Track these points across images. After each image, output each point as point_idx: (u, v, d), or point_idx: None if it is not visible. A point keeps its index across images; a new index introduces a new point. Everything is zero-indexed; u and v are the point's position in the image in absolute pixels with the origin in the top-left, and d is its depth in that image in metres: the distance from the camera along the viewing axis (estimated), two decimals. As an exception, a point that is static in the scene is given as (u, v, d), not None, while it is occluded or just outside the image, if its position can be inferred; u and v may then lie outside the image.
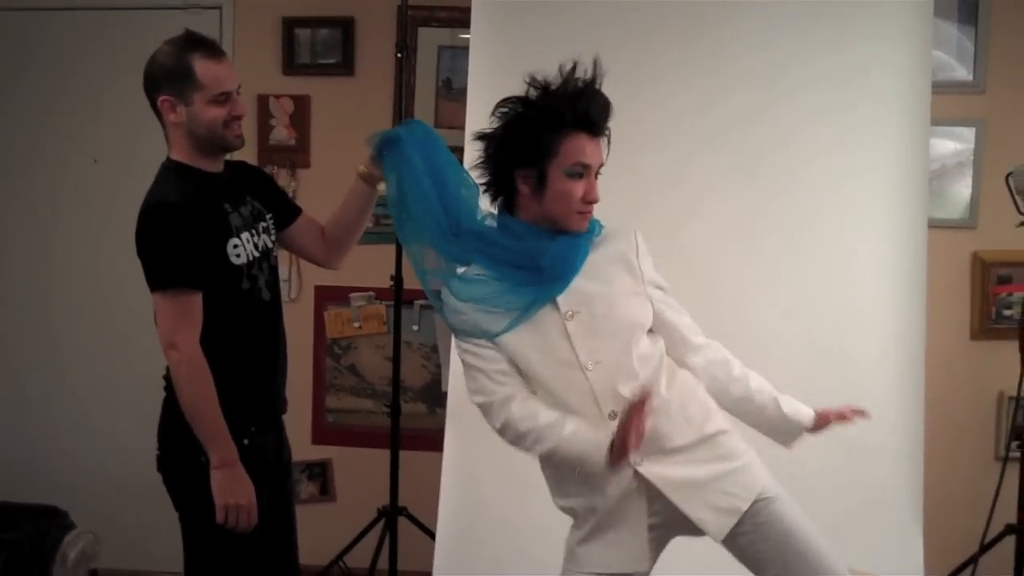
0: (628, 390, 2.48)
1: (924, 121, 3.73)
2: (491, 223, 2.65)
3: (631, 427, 2.38)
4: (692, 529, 2.58)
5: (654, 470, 2.53)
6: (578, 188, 2.50)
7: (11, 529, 3.98)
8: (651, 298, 2.62)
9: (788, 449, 2.72)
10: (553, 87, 2.51)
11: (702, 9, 3.77)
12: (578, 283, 2.55)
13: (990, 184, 4.20)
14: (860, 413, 2.77)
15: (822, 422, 2.72)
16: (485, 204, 2.67)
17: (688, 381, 2.64)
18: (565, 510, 2.66)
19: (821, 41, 3.72)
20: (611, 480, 2.54)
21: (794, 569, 2.53)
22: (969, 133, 4.29)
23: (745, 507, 2.55)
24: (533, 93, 2.53)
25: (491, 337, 2.54)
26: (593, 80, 2.51)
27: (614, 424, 2.47)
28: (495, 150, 2.57)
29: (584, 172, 2.50)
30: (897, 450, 3.70)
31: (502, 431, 2.57)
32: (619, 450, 2.42)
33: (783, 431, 2.71)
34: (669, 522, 2.58)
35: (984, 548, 3.89)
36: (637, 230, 2.66)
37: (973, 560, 3.89)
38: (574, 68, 2.51)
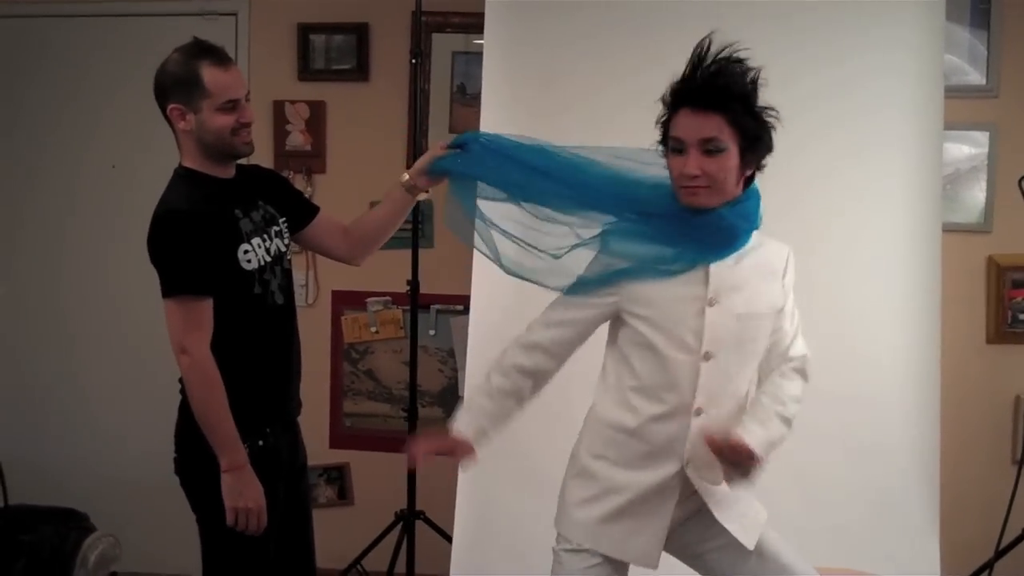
0: (727, 400, 2.55)
1: (937, 126, 3.72)
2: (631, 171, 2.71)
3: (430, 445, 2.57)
4: (693, 547, 2.65)
5: (700, 475, 2.56)
6: (677, 164, 2.49)
7: (31, 532, 4.01)
8: (781, 319, 2.65)
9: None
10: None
11: (713, 16, 3.75)
12: (729, 273, 2.55)
13: (1004, 188, 4.20)
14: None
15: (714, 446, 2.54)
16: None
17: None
18: (585, 469, 2.66)
19: (832, 48, 3.72)
20: (656, 466, 2.57)
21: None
22: (983, 137, 4.28)
23: (764, 519, 2.62)
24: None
25: (635, 278, 2.56)
26: (699, 57, 2.51)
27: (692, 421, 2.51)
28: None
29: (682, 148, 2.48)
30: (913, 454, 3.70)
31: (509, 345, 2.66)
32: (410, 447, 2.62)
33: None
34: (676, 534, 2.62)
35: (1000, 553, 3.88)
36: (791, 248, 2.70)
37: (989, 565, 3.89)
38: (694, 50, 2.53)
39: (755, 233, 2.62)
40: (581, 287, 2.62)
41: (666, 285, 2.54)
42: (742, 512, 2.61)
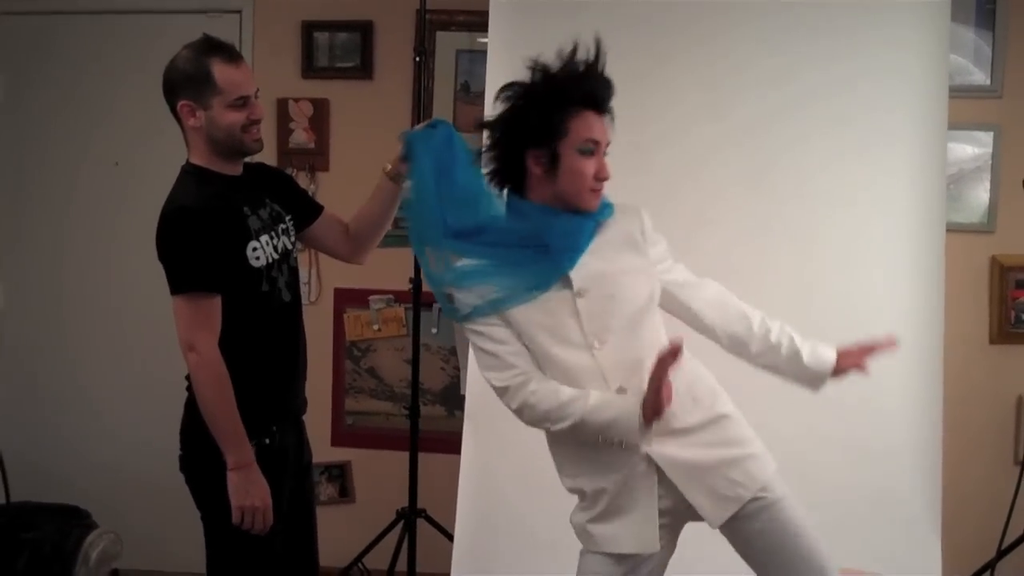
0: (637, 368, 2.50)
1: (941, 125, 3.72)
2: (495, 209, 2.66)
3: (661, 381, 2.38)
4: (699, 515, 2.60)
5: (660, 451, 2.55)
6: (590, 165, 2.51)
7: (33, 529, 4.00)
8: (659, 275, 2.65)
9: (815, 392, 2.71)
10: (556, 68, 2.54)
11: (717, 14, 3.78)
12: (588, 261, 2.56)
13: (1008, 188, 4.20)
14: (882, 346, 2.73)
15: (845, 365, 2.69)
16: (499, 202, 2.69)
17: (696, 365, 2.65)
18: (573, 491, 2.67)
19: (837, 46, 3.72)
20: (619, 461, 2.56)
21: (795, 571, 2.54)
22: (987, 137, 4.28)
23: (748, 496, 2.55)
24: (536, 76, 2.56)
25: (502, 308, 2.55)
26: (596, 59, 2.54)
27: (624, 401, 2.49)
28: (502, 133, 2.59)
29: (595, 149, 2.52)
30: (915, 454, 3.70)
31: (519, 412, 2.57)
32: (652, 405, 2.41)
33: (805, 380, 2.70)
34: (678, 505, 2.59)
35: (1002, 553, 3.88)
36: (643, 208, 2.68)
37: (991, 565, 3.89)
38: (575, 49, 2.54)
39: (610, 208, 2.64)
40: (468, 317, 2.60)
41: (530, 313, 2.56)
42: (716, 484, 2.55)
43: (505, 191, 2.65)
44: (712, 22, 3.80)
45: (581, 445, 2.59)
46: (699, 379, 2.64)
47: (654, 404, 2.40)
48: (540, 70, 2.55)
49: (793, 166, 3.74)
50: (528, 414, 2.56)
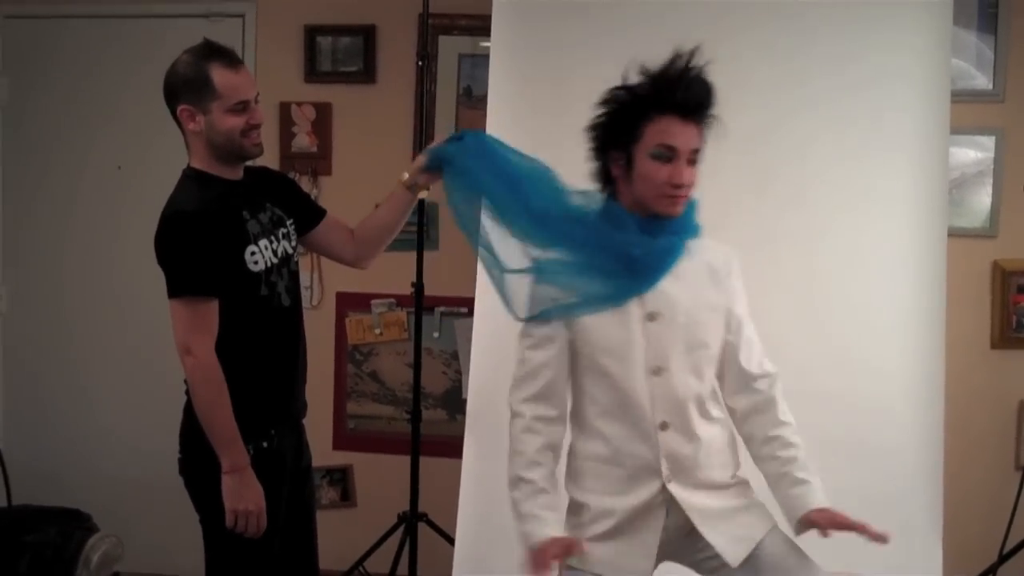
0: (688, 407, 2.54)
1: (943, 130, 3.71)
2: (587, 205, 2.67)
3: (541, 560, 2.42)
4: (689, 555, 2.64)
5: (682, 494, 2.56)
6: (663, 171, 2.49)
7: (34, 532, 4.02)
8: (728, 324, 2.65)
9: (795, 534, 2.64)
10: (652, 72, 2.53)
11: (719, 20, 3.77)
12: (666, 285, 2.56)
13: (1010, 193, 4.20)
14: (877, 536, 2.58)
15: (819, 520, 2.54)
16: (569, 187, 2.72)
17: (722, 431, 2.67)
18: (574, 502, 2.67)
19: (839, 51, 3.71)
20: (638, 489, 2.57)
21: None
22: (989, 142, 4.28)
23: (760, 536, 2.60)
24: (637, 79, 2.55)
25: (575, 314, 2.55)
26: (686, 65, 2.51)
27: (659, 436, 2.51)
28: (593, 136, 2.61)
29: (671, 155, 2.49)
30: (916, 459, 3.69)
31: (511, 418, 2.61)
32: (530, 563, 2.46)
33: (784, 507, 2.63)
34: (672, 544, 2.62)
35: (1003, 558, 3.88)
36: (735, 251, 2.71)
37: (992, 570, 3.89)
38: (677, 56, 2.52)
39: (697, 228, 2.65)
40: (535, 319, 2.61)
41: (598, 324, 2.56)
42: (730, 527, 2.59)
43: (604, 194, 2.65)
44: (714, 28, 3.79)
45: (609, 462, 2.60)
46: (728, 444, 2.67)
47: (532, 563, 2.46)
48: (642, 74, 2.54)
49: (795, 171, 3.74)
50: (511, 442, 2.60)
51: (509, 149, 2.87)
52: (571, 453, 2.70)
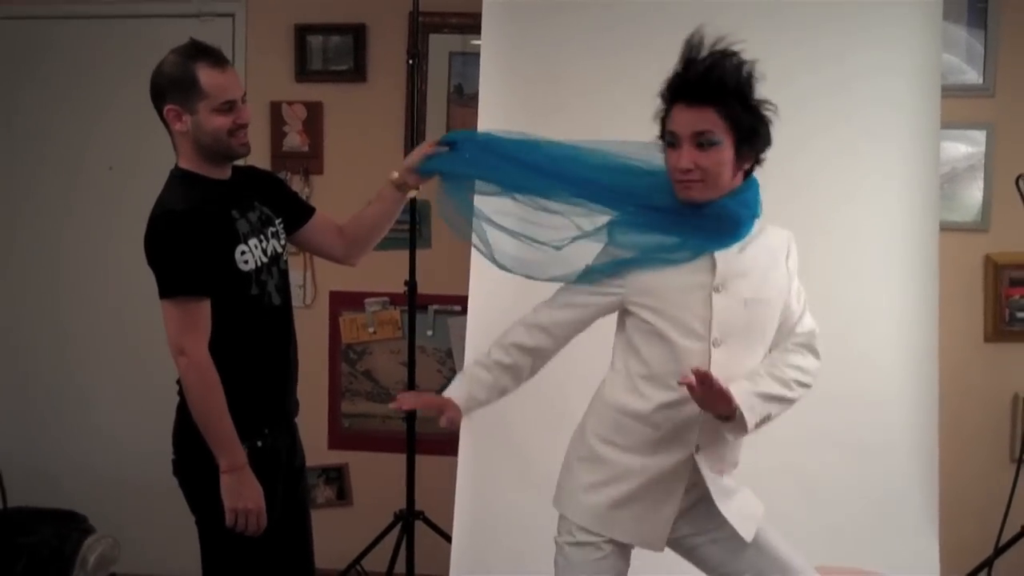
0: (737, 384, 2.51)
1: (934, 125, 3.72)
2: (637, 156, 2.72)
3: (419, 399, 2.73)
4: (691, 536, 2.67)
5: (707, 467, 2.59)
6: (673, 157, 2.52)
7: (31, 534, 4.01)
8: (787, 306, 2.67)
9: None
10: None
11: (710, 15, 3.76)
12: (735, 259, 2.57)
13: (1001, 187, 4.20)
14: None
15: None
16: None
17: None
18: (593, 452, 2.66)
19: (830, 46, 3.72)
20: (666, 452, 2.59)
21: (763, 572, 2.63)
22: (980, 136, 4.28)
23: (762, 512, 2.64)
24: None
25: (639, 267, 2.58)
26: (692, 51, 2.52)
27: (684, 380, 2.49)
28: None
29: (675, 141, 2.51)
30: (911, 452, 3.70)
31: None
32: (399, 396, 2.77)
33: None
34: (678, 521, 2.64)
35: (999, 550, 3.88)
36: (792, 235, 2.73)
37: (988, 563, 3.89)
38: (689, 43, 2.53)
39: (756, 221, 2.64)
40: (587, 276, 2.65)
41: (672, 274, 2.57)
42: (741, 505, 2.63)
43: None
44: (707, 25, 3.80)
45: (642, 422, 2.60)
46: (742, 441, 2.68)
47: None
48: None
49: (787, 167, 3.70)
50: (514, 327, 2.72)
51: (509, 137, 2.90)
52: (601, 400, 2.70)
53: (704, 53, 2.50)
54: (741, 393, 2.46)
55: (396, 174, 3.09)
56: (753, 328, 2.59)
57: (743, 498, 2.65)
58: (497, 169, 2.85)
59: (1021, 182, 3.81)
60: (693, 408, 2.51)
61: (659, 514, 2.62)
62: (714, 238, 2.56)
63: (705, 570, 2.72)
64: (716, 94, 2.48)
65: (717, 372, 2.48)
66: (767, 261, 2.63)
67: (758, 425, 2.51)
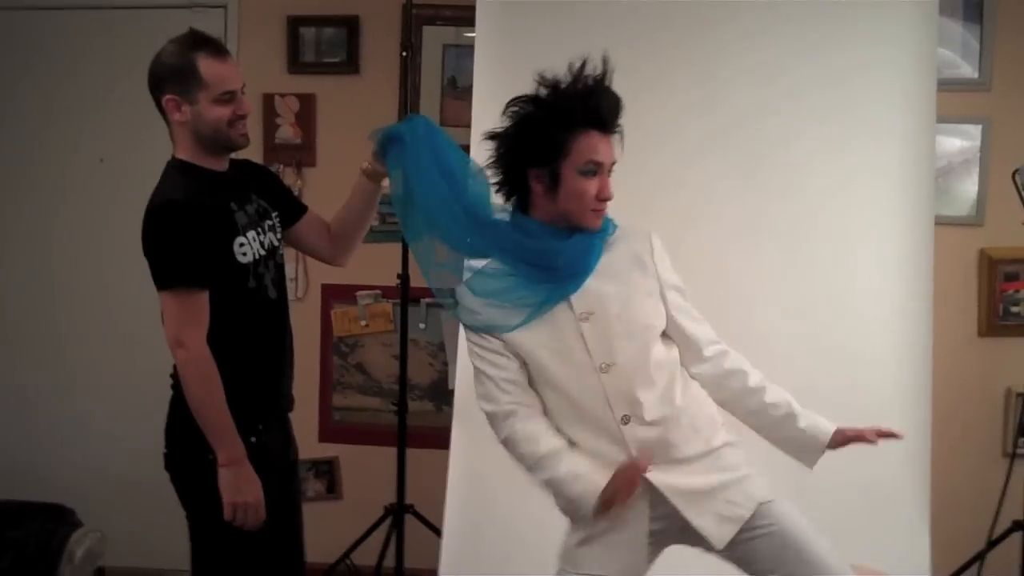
0: (644, 395, 2.50)
1: (930, 119, 3.72)
2: (503, 216, 2.63)
3: (629, 481, 2.43)
4: (690, 538, 2.61)
5: (661, 478, 2.54)
6: (592, 186, 2.49)
7: (18, 527, 3.99)
8: (666, 301, 2.61)
9: (810, 468, 2.68)
10: (563, 85, 2.50)
11: (705, 9, 3.77)
12: (592, 283, 2.54)
13: (997, 181, 4.20)
14: (886, 434, 2.73)
15: (840, 440, 2.67)
16: (496, 198, 2.66)
17: (699, 392, 2.64)
18: (565, 511, 2.64)
19: (825, 40, 3.72)
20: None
21: (796, 573, 2.52)
22: (975, 130, 4.28)
23: (747, 515, 2.56)
24: (543, 91, 2.52)
25: (505, 331, 2.53)
26: (603, 77, 2.50)
27: (623, 430, 2.49)
28: (507, 149, 2.56)
29: (597, 170, 2.49)
30: (904, 447, 3.66)
31: (505, 444, 2.59)
32: (608, 501, 2.45)
33: (800, 448, 2.66)
34: (668, 529, 2.60)
35: (991, 544, 3.89)
36: (653, 231, 2.65)
37: (980, 557, 3.90)
38: (583, 65, 2.50)
39: (613, 226, 2.62)
40: (475, 327, 2.59)
41: (538, 322, 2.54)
42: (715, 505, 2.56)
43: (511, 204, 2.62)
44: (700, 18, 3.79)
45: None
46: (700, 409, 2.63)
47: (609, 500, 2.44)
48: (547, 86, 2.52)
49: (782, 161, 3.74)
50: (510, 449, 2.58)
51: (454, 146, 2.80)
52: None
53: (607, 79, 2.51)
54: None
55: (366, 163, 3.05)
56: (637, 336, 2.54)
57: (723, 496, 2.57)
58: (426, 158, 2.74)
59: (1016, 176, 3.81)
60: (615, 434, 2.51)
61: (629, 541, 2.57)
62: (568, 281, 2.54)
63: (760, 566, 2.60)
64: (617, 123, 2.52)
65: (615, 394, 2.50)
66: (630, 268, 2.59)
67: None
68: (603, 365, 2.51)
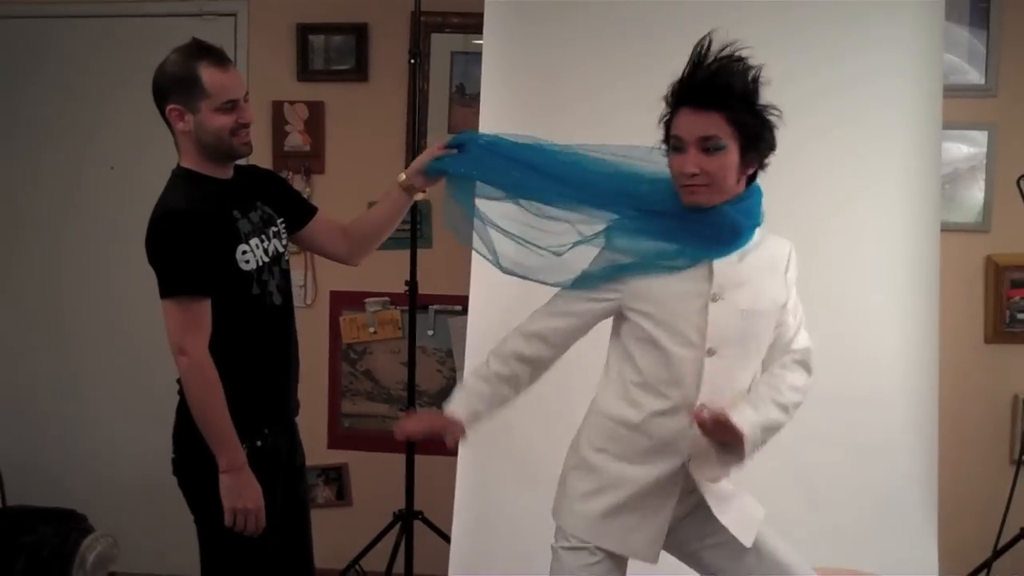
0: (728, 390, 2.53)
1: (936, 125, 3.72)
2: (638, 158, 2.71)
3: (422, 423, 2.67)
4: (689, 544, 2.66)
5: (702, 472, 2.57)
6: (676, 162, 2.51)
7: (30, 532, 4.00)
8: (785, 311, 2.66)
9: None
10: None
11: (713, 15, 3.76)
12: (733, 269, 2.56)
13: (1003, 187, 4.20)
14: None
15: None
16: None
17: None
18: (586, 461, 2.66)
19: (832, 46, 3.72)
20: (658, 461, 2.57)
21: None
22: (981, 137, 4.28)
23: (761, 516, 2.62)
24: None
25: (637, 273, 2.57)
26: (699, 56, 2.52)
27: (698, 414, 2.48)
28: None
29: (681, 146, 2.50)
30: (911, 454, 3.70)
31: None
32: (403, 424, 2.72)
33: None
34: (677, 528, 2.63)
35: (998, 552, 3.88)
36: (793, 246, 2.70)
37: (987, 564, 3.89)
38: (698, 48, 2.53)
39: (757, 230, 2.62)
40: (584, 282, 2.63)
41: (670, 281, 2.55)
42: (739, 510, 2.61)
43: None
44: (708, 25, 3.77)
45: (634, 430, 2.59)
46: None
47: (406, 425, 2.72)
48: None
49: (788, 167, 3.71)
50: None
51: (514, 139, 2.88)
52: (595, 409, 2.69)
53: (711, 58, 2.50)
54: (747, 425, 2.45)
55: (403, 176, 3.09)
56: (748, 339, 2.57)
57: (742, 502, 2.64)
58: (500, 171, 2.85)
59: (1022, 183, 3.81)
60: (685, 417, 2.52)
61: (651, 523, 2.60)
62: (713, 246, 2.55)
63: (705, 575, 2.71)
64: (723, 99, 2.47)
65: (709, 381, 2.50)
66: (765, 271, 2.62)
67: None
68: (711, 350, 2.52)
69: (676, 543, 2.68)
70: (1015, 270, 4.30)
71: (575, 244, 2.71)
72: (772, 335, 2.64)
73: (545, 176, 2.78)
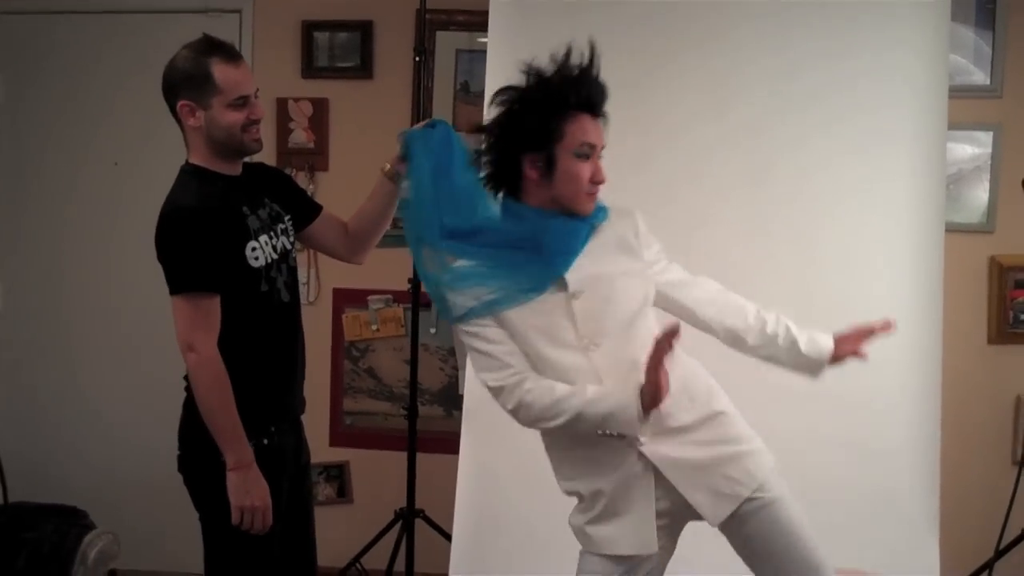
0: (631, 373, 2.48)
1: (941, 125, 3.72)
2: (490, 215, 2.66)
3: (659, 368, 2.38)
4: (696, 514, 2.60)
5: (656, 450, 2.55)
6: (586, 169, 2.52)
7: (31, 529, 4.00)
8: (654, 278, 2.64)
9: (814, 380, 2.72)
10: (551, 72, 2.53)
11: (718, 14, 3.78)
12: (583, 263, 2.55)
13: (1007, 188, 4.20)
14: (878, 330, 2.77)
15: (840, 353, 2.72)
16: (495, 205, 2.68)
17: (691, 363, 2.65)
18: (571, 493, 2.67)
19: (837, 45, 3.72)
20: (615, 461, 2.56)
21: (791, 572, 2.54)
22: (987, 137, 4.28)
23: (746, 494, 2.55)
24: (531, 80, 2.56)
25: (496, 310, 2.54)
26: (590, 63, 2.53)
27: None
28: (498, 137, 2.59)
29: (590, 153, 2.53)
30: (913, 454, 3.70)
31: (515, 412, 2.56)
32: (651, 394, 2.41)
33: (804, 368, 2.71)
34: (676, 506, 2.59)
35: (1000, 553, 3.88)
36: (637, 210, 2.68)
37: (989, 565, 3.89)
38: (569, 52, 2.53)
39: (605, 212, 2.64)
40: (467, 318, 2.58)
41: (531, 304, 2.55)
42: (713, 480, 2.56)
43: (500, 195, 2.64)
44: (712, 23, 3.80)
45: (577, 446, 2.59)
46: (695, 376, 2.64)
47: (652, 393, 2.40)
48: (534, 74, 2.55)
49: (793, 166, 3.74)
50: (524, 413, 2.54)
51: (463, 154, 2.81)
52: (548, 449, 2.69)
53: (596, 64, 2.54)
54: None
55: (387, 164, 3.08)
56: (625, 320, 2.56)
57: (722, 472, 2.56)
58: (433, 164, 2.80)
59: (1027, 183, 3.82)
60: None
61: (636, 516, 2.58)
62: (560, 262, 2.55)
63: (750, 554, 2.62)
64: (604, 108, 2.56)
65: (606, 370, 2.52)
66: (616, 248, 2.61)
67: None
68: (591, 344, 2.53)
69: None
70: (1019, 271, 4.29)
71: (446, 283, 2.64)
72: (648, 304, 2.62)
73: (445, 199, 2.73)
